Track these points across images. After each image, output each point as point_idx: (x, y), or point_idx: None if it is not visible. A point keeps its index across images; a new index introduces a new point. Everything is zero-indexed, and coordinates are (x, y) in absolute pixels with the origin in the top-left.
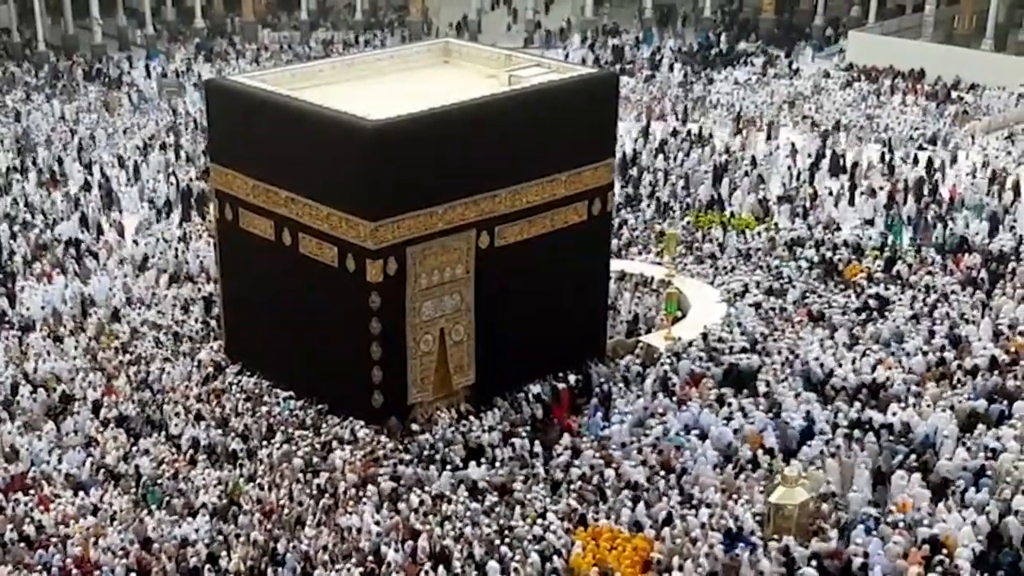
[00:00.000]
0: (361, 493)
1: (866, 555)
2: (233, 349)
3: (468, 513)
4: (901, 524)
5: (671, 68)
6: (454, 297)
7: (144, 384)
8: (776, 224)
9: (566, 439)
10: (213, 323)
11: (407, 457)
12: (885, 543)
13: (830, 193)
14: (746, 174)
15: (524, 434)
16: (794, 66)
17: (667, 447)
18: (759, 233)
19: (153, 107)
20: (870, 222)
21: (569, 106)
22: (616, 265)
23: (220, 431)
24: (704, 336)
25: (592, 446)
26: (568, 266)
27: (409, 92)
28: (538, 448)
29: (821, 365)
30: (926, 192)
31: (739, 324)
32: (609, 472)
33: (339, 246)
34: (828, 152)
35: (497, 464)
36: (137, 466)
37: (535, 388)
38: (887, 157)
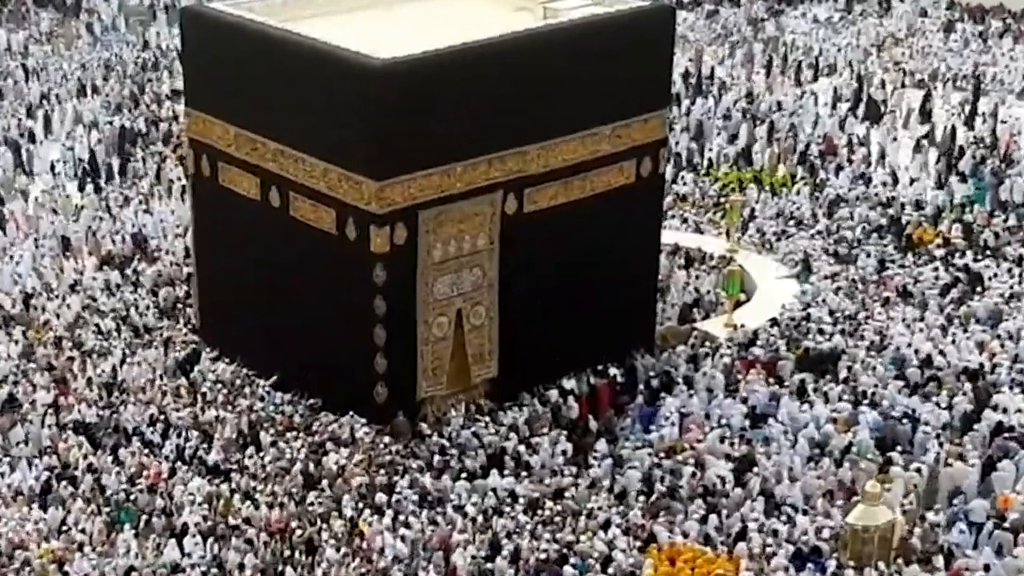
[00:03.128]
0: (369, 503)
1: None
2: (208, 332)
3: (516, 527)
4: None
5: (738, 2)
6: (474, 272)
7: (108, 383)
8: (821, 180)
9: (602, 445)
10: (179, 305)
11: (415, 464)
12: (1002, 554)
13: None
14: (770, 125)
15: (553, 436)
16: (885, 3)
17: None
18: (798, 192)
19: (117, 39)
20: (942, 182)
21: (615, 46)
22: (668, 237)
23: (200, 434)
24: (774, 322)
25: (637, 449)
26: (611, 237)
27: (425, 26)
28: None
29: (916, 351)
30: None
31: (815, 303)
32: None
33: (338, 209)
34: (865, 97)
35: (528, 472)
36: (99, 478)
37: (569, 383)
38: (971, 108)
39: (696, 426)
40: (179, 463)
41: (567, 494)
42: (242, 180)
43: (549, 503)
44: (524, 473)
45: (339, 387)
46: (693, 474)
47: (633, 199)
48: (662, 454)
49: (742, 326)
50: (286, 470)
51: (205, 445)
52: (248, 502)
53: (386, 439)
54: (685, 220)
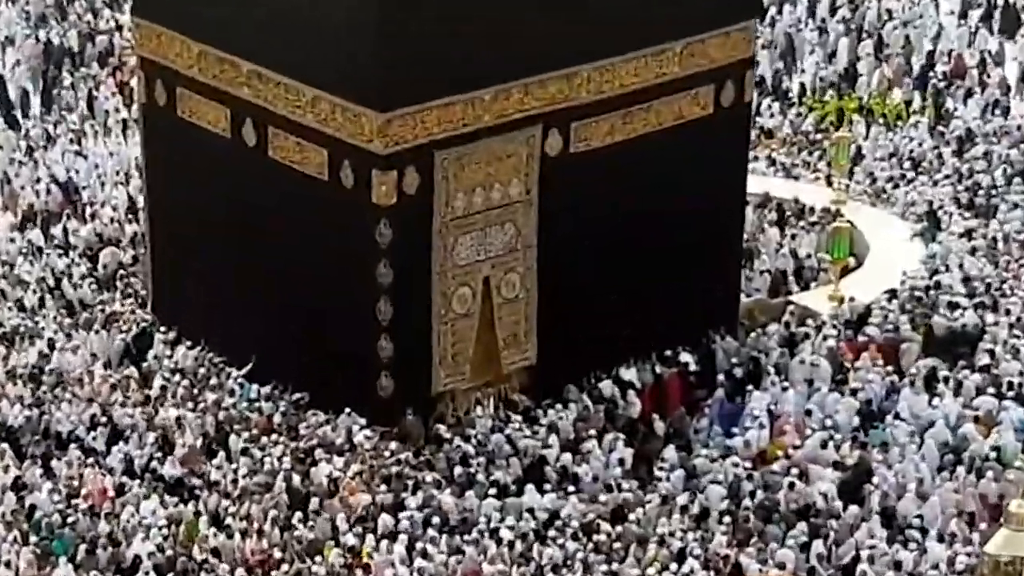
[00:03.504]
0: (372, 527)
1: None
2: (163, 308)
3: (565, 558)
4: None
5: None
6: (506, 230)
7: (35, 375)
8: (946, 110)
9: (671, 452)
10: (124, 274)
11: (429, 476)
12: None
13: None
14: (878, 40)
15: (608, 441)
16: None
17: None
18: (917, 125)
19: None
20: None
21: None
22: (755, 185)
23: (156, 440)
24: (892, 294)
25: (717, 459)
26: (682, 185)
27: None
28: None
29: None
30: None
31: (944, 269)
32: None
33: (330, 149)
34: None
35: (576, 487)
36: (24, 498)
37: (628, 373)
38: None
39: (793, 428)
40: (129, 477)
41: (629, 516)
42: (207, 111)
43: (606, 526)
44: (571, 489)
45: (332, 378)
46: (791, 487)
47: (711, 136)
48: (749, 464)
49: (851, 299)
50: (266, 486)
51: (161, 454)
52: (217, 528)
53: (393, 445)
54: (773, 163)
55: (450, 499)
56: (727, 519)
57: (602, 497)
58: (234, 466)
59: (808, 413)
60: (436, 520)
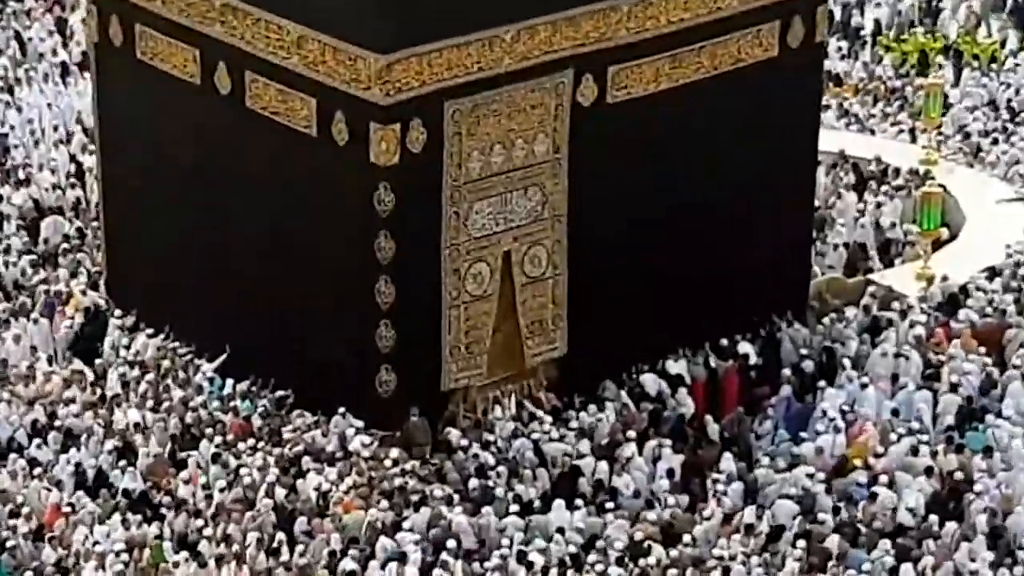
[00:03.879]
0: (368, 550)
1: None
2: (119, 289)
3: None
4: None
5: None
6: (531, 196)
7: None
8: None
9: (728, 461)
10: (70, 249)
11: (439, 491)
12: None
13: None
14: None
15: (653, 448)
16: None
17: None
18: (1016, 68)
19: None
20: None
21: None
22: (828, 141)
23: (113, 448)
24: (993, 272)
25: (783, 470)
26: (742, 142)
27: None
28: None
29: None
30: None
31: None
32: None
33: (320, 98)
34: None
35: (615, 502)
36: None
37: (676, 366)
38: None
39: (874, 432)
40: (81, 493)
41: (683, 536)
42: (172, 53)
43: (659, 549)
44: (610, 504)
45: (322, 373)
46: (872, 499)
47: (775, 83)
48: (822, 474)
49: (944, 278)
50: (246, 502)
51: (121, 464)
52: (186, 553)
53: (394, 453)
54: (845, 113)
55: (463, 518)
56: (800, 543)
57: (649, 515)
58: (205, 479)
59: (895, 414)
60: (449, 543)
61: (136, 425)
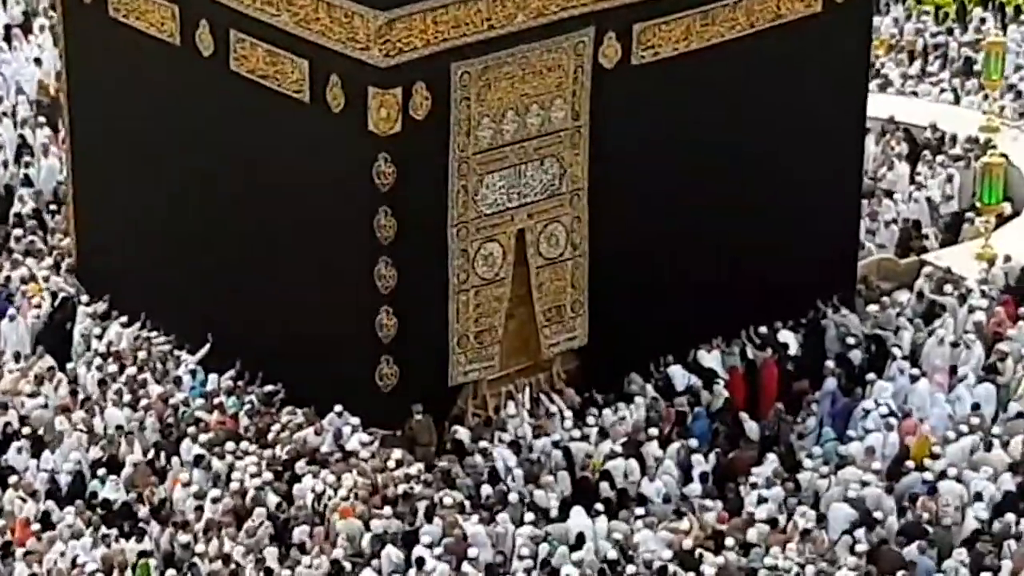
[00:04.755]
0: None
1: None
2: (90, 272)
3: None
4: None
5: None
6: (548, 168)
7: None
8: None
9: (769, 463)
10: (35, 226)
11: (448, 497)
12: None
13: None
14: None
15: (684, 447)
16: None
17: None
18: None
19: None
20: None
21: None
22: (877, 106)
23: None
24: None
25: (826, 474)
26: (782, 107)
27: None
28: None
29: None
30: None
31: None
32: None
33: (313, 60)
34: None
35: (644, 508)
36: None
37: (709, 357)
38: None
39: (928, 427)
40: (54, 504)
41: (727, 541)
42: (149, 11)
43: (709, 557)
44: (640, 511)
45: (316, 365)
46: (929, 523)
47: (818, 41)
48: (876, 476)
49: (1007, 258)
50: (238, 513)
51: (102, 471)
52: (175, 572)
53: (397, 454)
54: (877, 74)
55: (479, 528)
56: (860, 547)
57: (681, 524)
58: (194, 488)
59: (952, 409)
60: (471, 553)
61: (118, 428)
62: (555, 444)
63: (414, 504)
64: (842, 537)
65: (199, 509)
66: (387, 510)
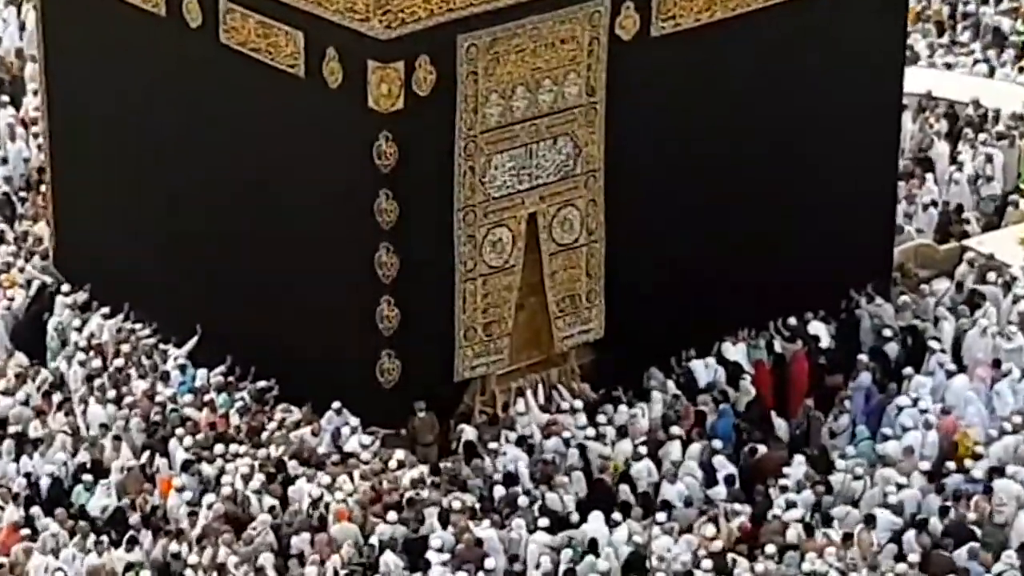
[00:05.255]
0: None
1: None
2: (68, 259)
3: None
4: None
5: None
6: (561, 148)
7: None
8: None
9: (799, 466)
10: (8, 210)
11: (456, 501)
12: None
13: None
14: None
15: (707, 447)
16: None
17: None
18: None
19: None
20: None
21: None
22: (914, 80)
23: (72, 458)
24: None
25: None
26: (811, 82)
27: None
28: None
29: None
30: None
31: None
32: None
33: (309, 31)
34: None
35: (667, 513)
36: None
37: (734, 351)
38: None
39: (967, 427)
40: (34, 513)
41: (767, 548)
42: None
43: (743, 563)
44: (663, 517)
45: (312, 359)
46: (977, 524)
47: (852, 10)
48: (916, 476)
49: None
50: (235, 520)
51: (88, 478)
52: None
53: (399, 455)
54: (917, 58)
55: (492, 532)
56: (912, 555)
57: (707, 529)
58: (187, 495)
59: (992, 407)
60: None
61: (102, 426)
62: (566, 442)
63: (420, 510)
64: (887, 543)
65: (192, 515)
66: (391, 515)
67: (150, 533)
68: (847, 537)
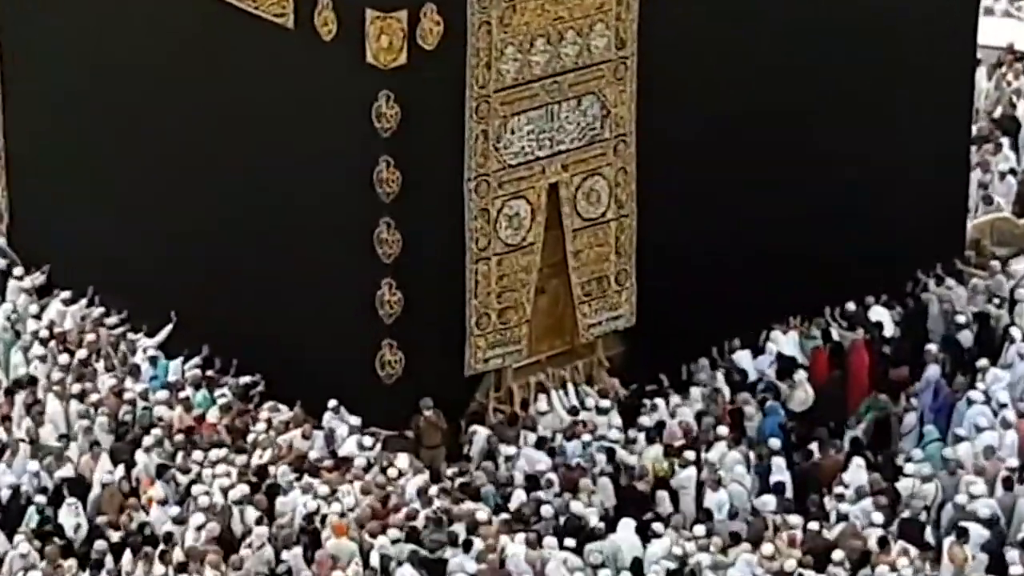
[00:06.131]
0: None
1: None
2: (24, 235)
3: None
4: None
5: None
6: (586, 108)
7: None
8: None
9: (857, 471)
10: None
11: (466, 508)
12: None
13: None
14: None
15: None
16: None
17: None
18: None
19: None
20: None
21: None
22: (992, 32)
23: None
24: None
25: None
26: (872, 32)
27: None
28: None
29: None
30: None
31: None
32: None
33: None
34: None
35: (708, 523)
36: None
37: (786, 340)
38: None
39: None
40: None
41: (834, 555)
42: None
43: None
44: (702, 527)
45: (304, 351)
46: None
47: None
48: (977, 483)
49: None
50: (227, 540)
51: (40, 499)
52: None
53: (401, 460)
54: (990, 12)
55: (520, 548)
56: (1016, 569)
57: (764, 548)
58: (175, 510)
59: None
60: None
61: (62, 437)
62: (585, 446)
63: (438, 526)
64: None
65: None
66: (394, 531)
67: (130, 555)
68: (926, 547)
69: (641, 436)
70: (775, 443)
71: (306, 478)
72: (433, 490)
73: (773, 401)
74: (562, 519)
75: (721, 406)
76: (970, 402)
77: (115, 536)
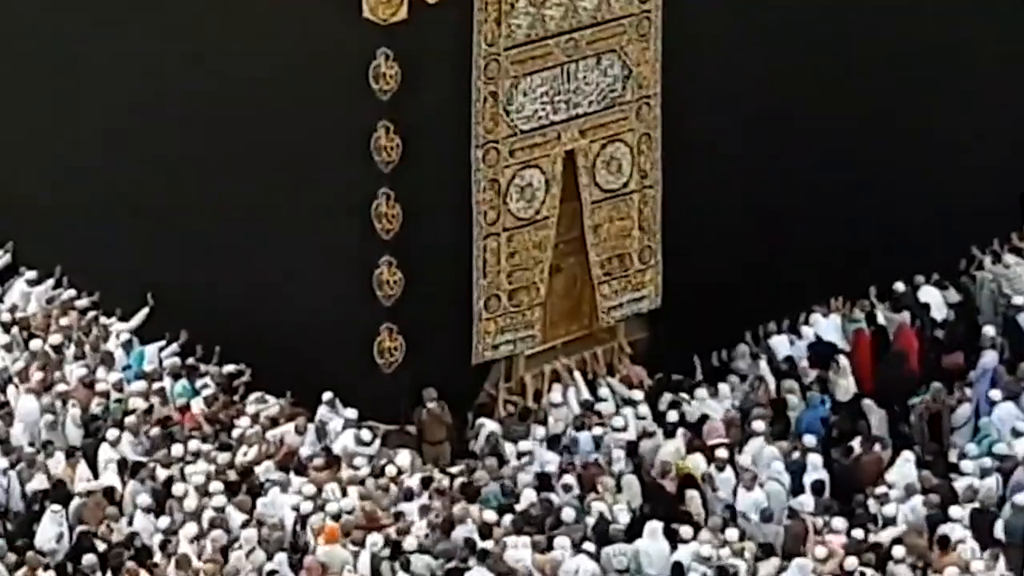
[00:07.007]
0: None
1: None
2: None
3: None
4: None
5: None
6: (607, 68)
7: None
8: None
9: (904, 467)
10: None
11: (474, 512)
12: None
13: None
14: None
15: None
16: None
17: None
18: None
19: None
20: None
21: None
22: None
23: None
24: None
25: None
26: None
27: None
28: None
29: None
30: None
31: None
32: None
33: None
34: None
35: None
36: None
37: (826, 323)
38: None
39: None
40: None
41: (895, 552)
42: None
43: None
44: (734, 531)
45: (294, 338)
46: None
47: None
48: None
49: None
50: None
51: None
52: None
53: (403, 457)
54: None
55: (526, 553)
56: None
57: (817, 550)
58: (164, 521)
59: None
60: None
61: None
62: (597, 441)
63: (445, 532)
64: None
65: (166, 544)
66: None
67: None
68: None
69: (659, 431)
70: (810, 440)
71: (294, 477)
72: (424, 496)
73: (818, 392)
74: (590, 522)
75: (765, 396)
76: None
77: (101, 547)
